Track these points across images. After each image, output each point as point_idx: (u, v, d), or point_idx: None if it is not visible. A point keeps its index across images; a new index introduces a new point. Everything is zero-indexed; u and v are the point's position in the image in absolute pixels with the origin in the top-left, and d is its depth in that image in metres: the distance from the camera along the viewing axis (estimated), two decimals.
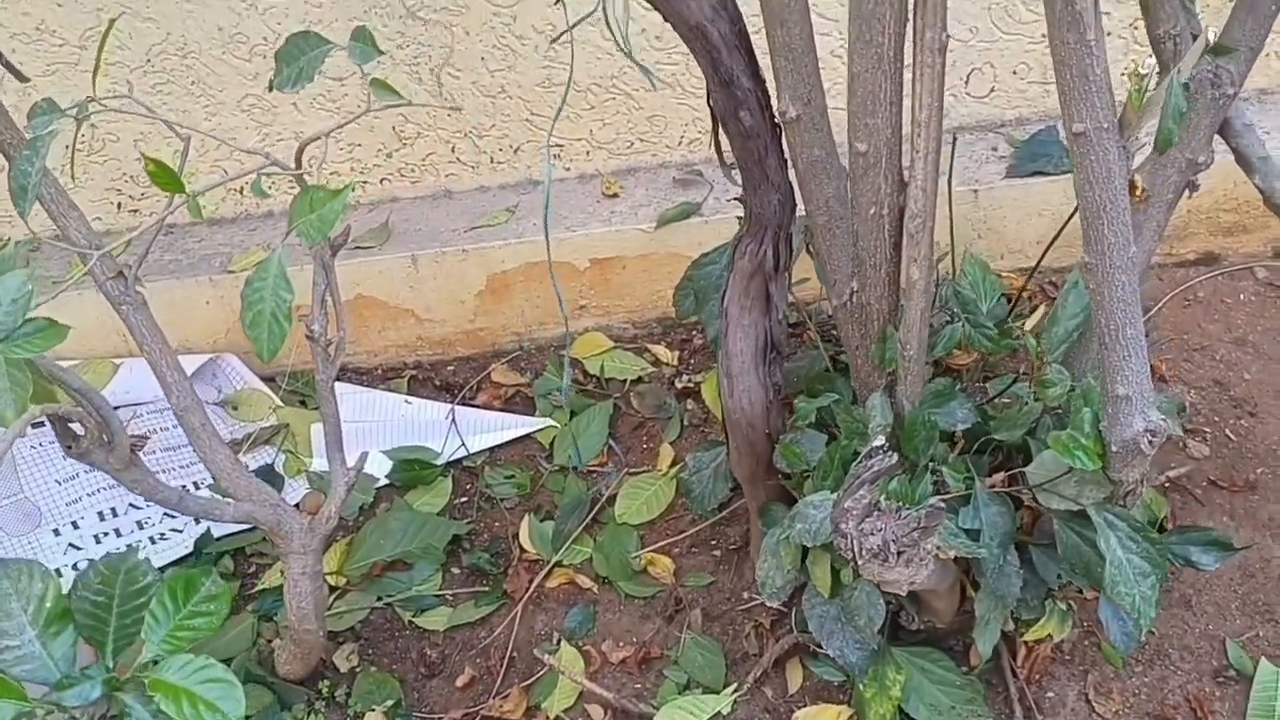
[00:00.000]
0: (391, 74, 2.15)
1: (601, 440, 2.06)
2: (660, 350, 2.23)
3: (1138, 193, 1.22)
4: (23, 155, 1.13)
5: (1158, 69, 1.24)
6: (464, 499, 2.03)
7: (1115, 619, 1.45)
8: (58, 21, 2.13)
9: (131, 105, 1.27)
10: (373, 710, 1.70)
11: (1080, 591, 1.59)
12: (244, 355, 2.26)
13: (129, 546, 1.94)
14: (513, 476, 2.04)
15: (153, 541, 1.95)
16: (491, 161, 2.31)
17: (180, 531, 1.98)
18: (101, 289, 1.34)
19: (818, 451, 1.49)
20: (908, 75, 1.22)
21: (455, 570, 1.92)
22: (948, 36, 1.17)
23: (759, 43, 1.30)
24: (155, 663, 1.18)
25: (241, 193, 2.36)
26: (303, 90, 1.20)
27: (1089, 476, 1.29)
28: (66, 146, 1.49)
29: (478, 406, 2.19)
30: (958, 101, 2.20)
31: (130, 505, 2.00)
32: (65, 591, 1.25)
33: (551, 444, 2.09)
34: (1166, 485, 1.80)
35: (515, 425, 2.13)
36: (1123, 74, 1.13)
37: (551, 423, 2.12)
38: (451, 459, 2.08)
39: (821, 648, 1.49)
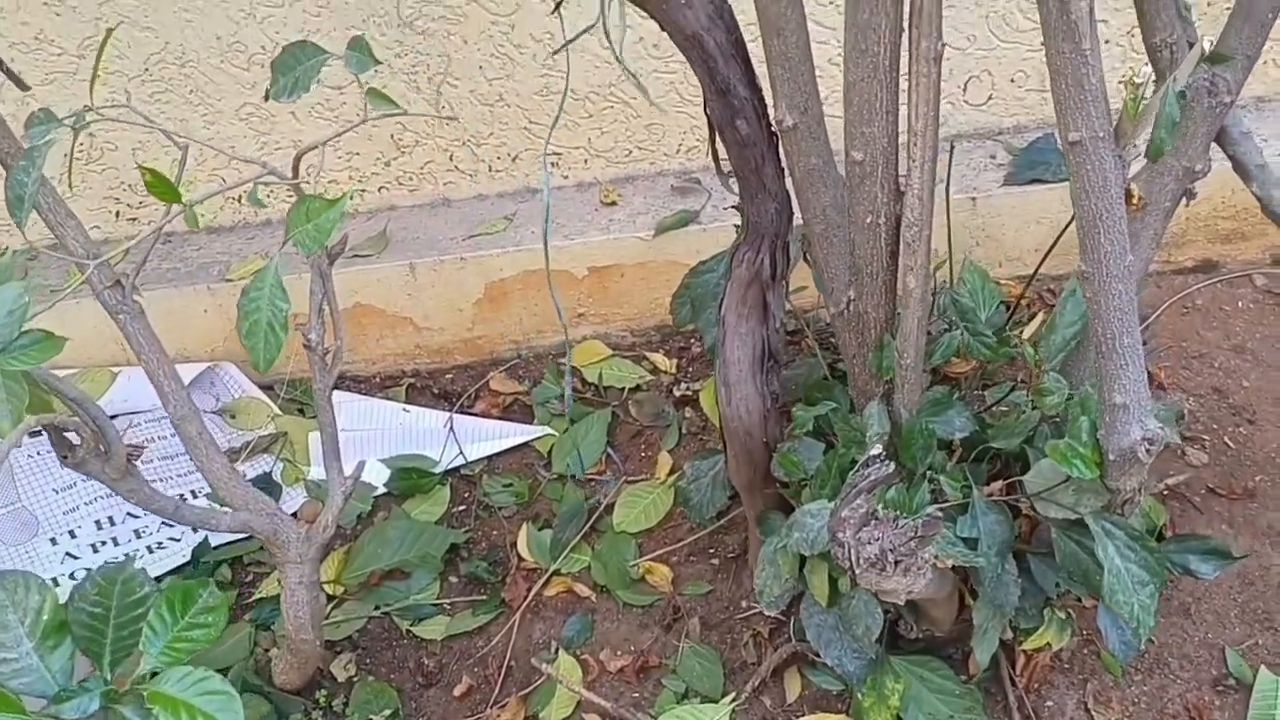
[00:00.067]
0: (390, 83, 2.16)
1: (600, 448, 2.06)
2: (658, 358, 2.23)
3: (1134, 201, 1.22)
4: (19, 165, 1.13)
5: (1154, 77, 1.24)
6: (462, 507, 2.03)
7: (1114, 627, 1.45)
8: (56, 31, 2.13)
9: (129, 114, 1.27)
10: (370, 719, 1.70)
11: (1079, 600, 1.58)
12: (242, 364, 2.26)
13: (126, 555, 1.93)
14: (511, 485, 2.03)
15: (150, 550, 1.95)
16: (490, 170, 2.31)
17: (178, 540, 1.98)
18: (99, 298, 1.34)
19: (815, 460, 1.49)
20: (904, 84, 1.22)
21: (453, 579, 1.91)
22: (943, 45, 1.17)
23: (755, 51, 1.31)
24: (153, 674, 1.18)
25: (240, 201, 2.36)
26: (300, 99, 1.20)
27: (1087, 485, 1.28)
28: (65, 155, 1.49)
29: (476, 415, 2.19)
30: (956, 109, 2.21)
31: (128, 514, 2.00)
32: (62, 602, 1.25)
33: (549, 452, 2.09)
34: (1165, 493, 1.79)
35: (513, 433, 2.12)
36: (1119, 82, 1.13)
37: (550, 431, 2.12)
38: (449, 467, 2.08)
39: (820, 657, 1.49)
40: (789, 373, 1.76)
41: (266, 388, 2.25)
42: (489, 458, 2.10)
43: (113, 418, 2.09)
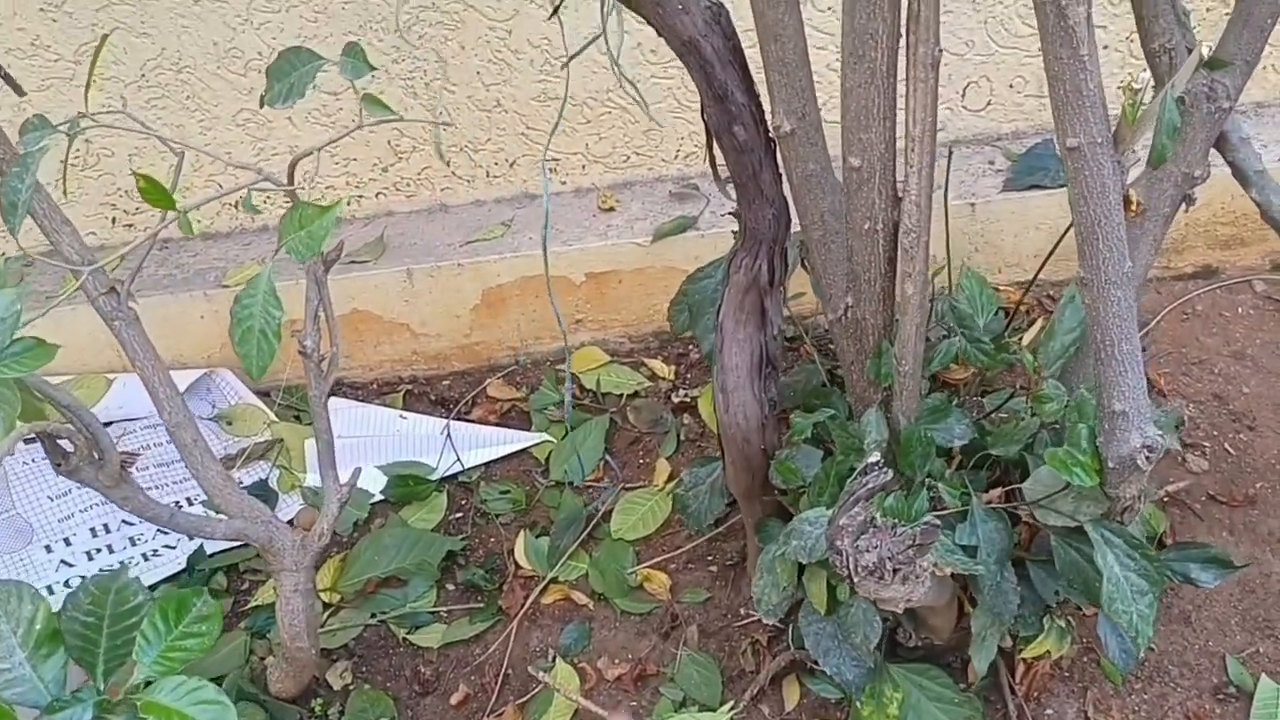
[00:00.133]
0: (387, 88, 2.16)
1: (597, 455, 2.06)
2: (657, 365, 2.22)
3: (1133, 207, 1.21)
4: (13, 171, 1.13)
5: (1153, 83, 1.24)
6: (459, 515, 2.02)
7: (1114, 636, 1.44)
8: (52, 37, 2.13)
9: (125, 120, 1.27)
10: None
11: (1079, 608, 1.58)
12: (239, 370, 2.26)
13: (121, 563, 1.93)
14: (508, 492, 2.03)
15: (145, 558, 1.94)
16: (487, 175, 2.30)
17: (173, 548, 1.97)
18: (94, 304, 1.34)
19: (813, 467, 1.49)
20: (902, 89, 1.22)
21: (450, 587, 1.91)
22: (940, 51, 1.16)
23: (753, 57, 1.30)
24: (147, 684, 1.17)
25: (236, 207, 2.35)
26: (296, 105, 1.19)
27: (1086, 492, 1.28)
28: (61, 162, 1.49)
29: (473, 421, 2.18)
30: (954, 115, 2.20)
31: (123, 521, 1.99)
32: (55, 610, 1.24)
33: (547, 459, 2.08)
34: (1165, 500, 1.79)
35: (511, 440, 2.12)
36: (1118, 88, 1.13)
37: (547, 438, 2.11)
38: (446, 474, 2.07)
39: (818, 665, 1.48)
40: (787, 379, 1.76)
41: (263, 394, 2.25)
42: (486, 465, 2.09)
43: (108, 424, 2.09)
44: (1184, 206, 1.35)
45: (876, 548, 1.17)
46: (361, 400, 2.26)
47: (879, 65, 1.20)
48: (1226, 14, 1.24)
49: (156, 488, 2.04)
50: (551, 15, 1.56)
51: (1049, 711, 1.59)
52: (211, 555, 1.95)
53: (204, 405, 2.22)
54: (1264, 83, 2.16)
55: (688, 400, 2.13)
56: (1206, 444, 1.88)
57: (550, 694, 1.69)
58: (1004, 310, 1.75)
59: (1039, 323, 2.06)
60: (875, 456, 1.21)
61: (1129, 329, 1.17)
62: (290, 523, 1.98)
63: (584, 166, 2.29)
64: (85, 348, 2.19)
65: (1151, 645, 1.63)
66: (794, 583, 1.43)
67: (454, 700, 1.74)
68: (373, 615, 1.85)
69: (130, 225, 2.37)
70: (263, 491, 2.04)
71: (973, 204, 2.10)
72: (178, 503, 2.02)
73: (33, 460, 2.04)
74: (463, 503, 2.04)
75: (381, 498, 2.04)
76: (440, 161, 2.26)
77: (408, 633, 1.83)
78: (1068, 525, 1.31)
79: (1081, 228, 1.12)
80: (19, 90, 1.39)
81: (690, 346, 2.24)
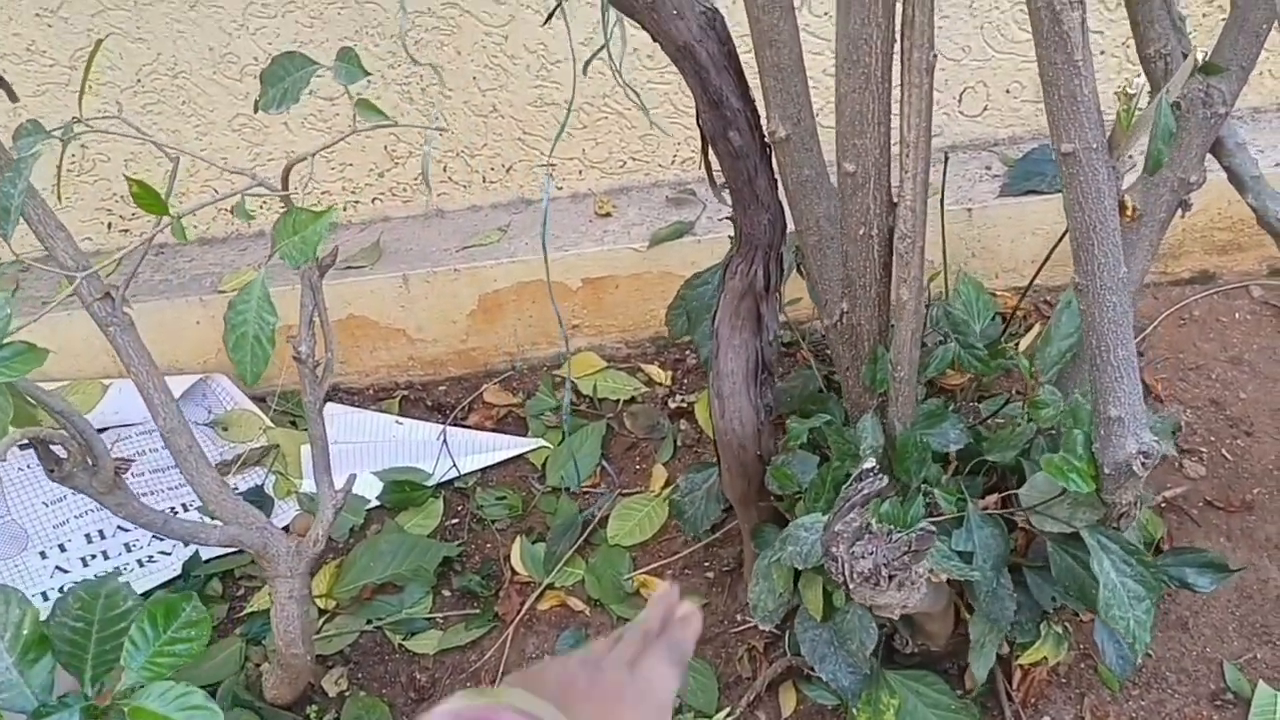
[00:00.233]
0: (383, 94, 2.15)
1: (594, 461, 2.05)
2: (653, 370, 2.22)
3: (1128, 212, 1.21)
4: (5, 176, 1.12)
5: (1148, 88, 1.23)
6: (455, 520, 2.02)
7: (1111, 642, 1.43)
8: (48, 42, 2.13)
9: (120, 126, 1.26)
10: None
11: (1076, 614, 1.57)
12: (234, 376, 2.25)
13: (116, 569, 1.92)
14: (504, 498, 2.02)
15: (140, 564, 1.94)
16: (483, 181, 2.30)
17: (169, 554, 1.96)
18: (89, 310, 1.33)
19: (809, 473, 1.48)
20: (897, 95, 1.22)
21: (446, 593, 1.90)
22: (935, 56, 1.16)
23: (749, 62, 1.30)
24: (135, 690, 1.16)
25: (232, 212, 2.35)
26: (291, 110, 1.19)
27: (1082, 499, 1.27)
28: (57, 167, 1.48)
29: (469, 427, 2.18)
30: (951, 120, 2.20)
31: (118, 528, 1.98)
32: (45, 617, 1.24)
33: (544, 465, 2.07)
34: (1163, 506, 1.78)
35: (507, 446, 2.11)
36: (1115, 93, 1.12)
37: (544, 443, 2.11)
38: (443, 480, 2.07)
39: (815, 671, 1.47)
40: (784, 385, 1.75)
41: (259, 400, 2.24)
42: (482, 470, 2.09)
43: (104, 430, 2.09)
44: (1180, 212, 1.35)
45: (872, 554, 1.17)
46: (357, 406, 2.26)
47: (873, 71, 1.20)
48: (1223, 19, 1.24)
49: (152, 494, 2.04)
50: (546, 21, 1.56)
51: (1046, 717, 1.58)
52: (207, 561, 1.94)
53: (199, 411, 2.21)
54: (1260, 88, 2.16)
55: (684, 406, 2.13)
56: (1204, 449, 1.88)
57: None
58: (1001, 315, 1.75)
59: (1036, 328, 2.06)
60: (871, 462, 1.20)
61: (1124, 334, 1.17)
62: (286, 529, 1.97)
63: (581, 172, 2.28)
64: (80, 353, 2.19)
65: (1149, 651, 1.62)
66: (790, 589, 1.43)
67: None
68: (368, 621, 1.84)
69: (126, 230, 2.37)
70: (258, 497, 2.04)
71: (969, 209, 2.10)
72: (173, 509, 2.01)
73: (27, 466, 2.04)
74: (459, 508, 2.04)
75: (377, 503, 2.04)
76: (437, 167, 2.26)
77: (403, 639, 1.82)
78: (1064, 531, 1.31)
79: (1077, 233, 1.12)
80: (12, 96, 1.39)
81: (687, 352, 2.24)
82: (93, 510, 1.99)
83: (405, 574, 1.88)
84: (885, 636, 1.49)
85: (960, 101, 2.19)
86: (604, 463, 2.06)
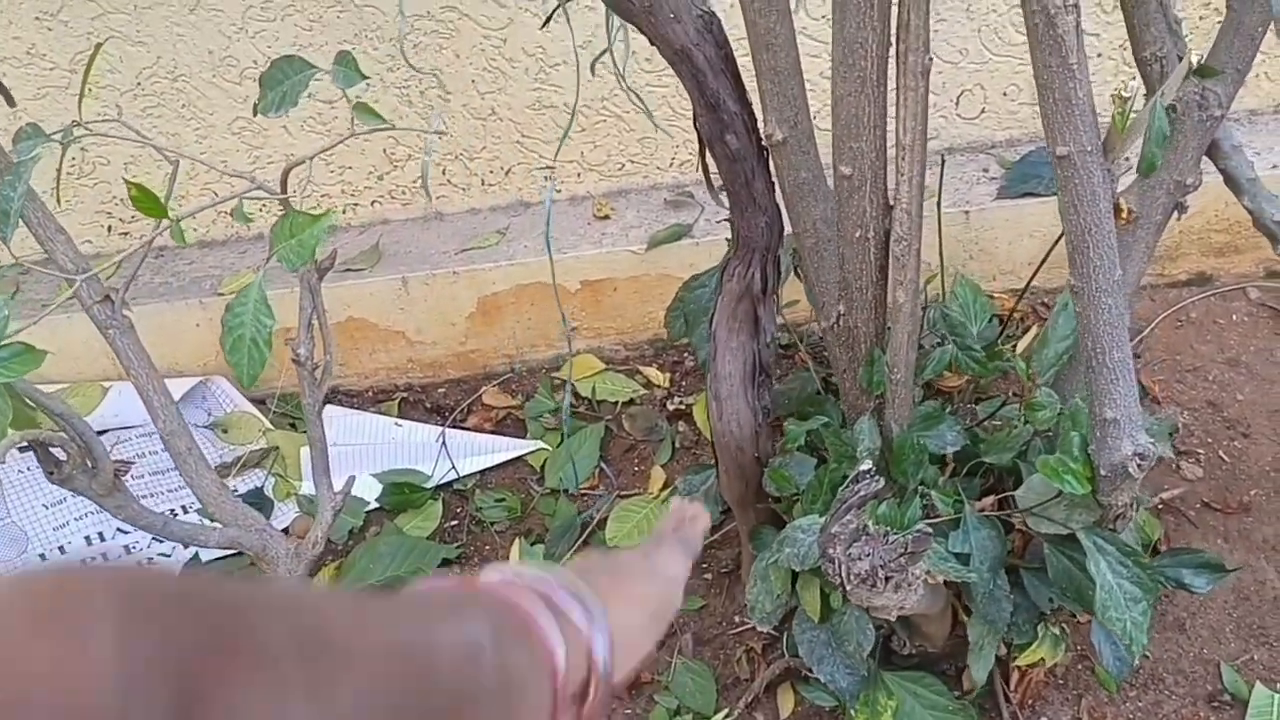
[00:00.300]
0: (382, 97, 2.16)
1: (592, 463, 2.05)
2: (652, 372, 2.22)
3: (1124, 215, 1.22)
4: (4, 180, 1.13)
5: (1144, 91, 1.24)
6: (454, 522, 2.02)
7: (1108, 643, 1.44)
8: (48, 45, 2.13)
9: (120, 129, 1.27)
10: None
11: (1073, 616, 1.57)
12: (233, 378, 2.25)
13: None
14: (503, 500, 2.02)
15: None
16: (482, 184, 2.31)
17: (168, 556, 1.96)
18: (88, 312, 1.34)
19: (807, 475, 1.49)
20: (893, 98, 1.22)
21: None
22: (930, 60, 1.17)
23: (745, 65, 1.30)
24: None
25: (231, 215, 2.35)
26: (290, 113, 1.20)
27: (1078, 500, 1.28)
28: (56, 170, 1.49)
29: (468, 429, 2.18)
30: (948, 123, 2.21)
31: (118, 530, 1.98)
32: None
33: (542, 467, 2.08)
34: (1160, 508, 1.79)
35: (506, 448, 2.12)
36: (1112, 95, 1.13)
37: (542, 445, 2.11)
38: (442, 482, 2.07)
39: (813, 673, 1.48)
40: (781, 387, 1.75)
41: (259, 402, 2.25)
42: (481, 472, 2.09)
43: (104, 433, 2.09)
44: (1177, 214, 1.35)
45: (869, 555, 1.17)
46: (357, 408, 2.26)
47: (869, 74, 1.20)
48: (1219, 22, 1.24)
49: (151, 496, 2.04)
50: (545, 24, 1.56)
51: (1044, 719, 1.58)
52: (207, 563, 1.95)
53: (199, 413, 2.21)
54: (1257, 90, 2.16)
55: (683, 408, 2.13)
56: (1201, 451, 1.88)
57: None
58: (998, 317, 1.75)
59: (1033, 330, 2.06)
60: (868, 464, 1.21)
61: (1120, 337, 1.17)
62: (285, 531, 1.97)
63: (579, 174, 2.29)
64: (80, 356, 2.19)
65: (1146, 653, 1.62)
66: (788, 590, 1.43)
67: None
68: None
69: (126, 233, 2.37)
70: (258, 499, 2.04)
71: (967, 211, 2.11)
72: (172, 511, 2.02)
73: (27, 468, 2.04)
74: (458, 510, 2.04)
75: (376, 505, 2.04)
76: (436, 170, 2.26)
77: None
78: (1060, 533, 1.31)
79: (1072, 236, 1.12)
80: (10, 100, 1.39)
81: (685, 354, 2.24)
82: (93, 513, 1.99)
83: (404, 576, 1.88)
84: (883, 638, 1.50)
85: (957, 104, 2.19)
86: (602, 464, 2.07)
